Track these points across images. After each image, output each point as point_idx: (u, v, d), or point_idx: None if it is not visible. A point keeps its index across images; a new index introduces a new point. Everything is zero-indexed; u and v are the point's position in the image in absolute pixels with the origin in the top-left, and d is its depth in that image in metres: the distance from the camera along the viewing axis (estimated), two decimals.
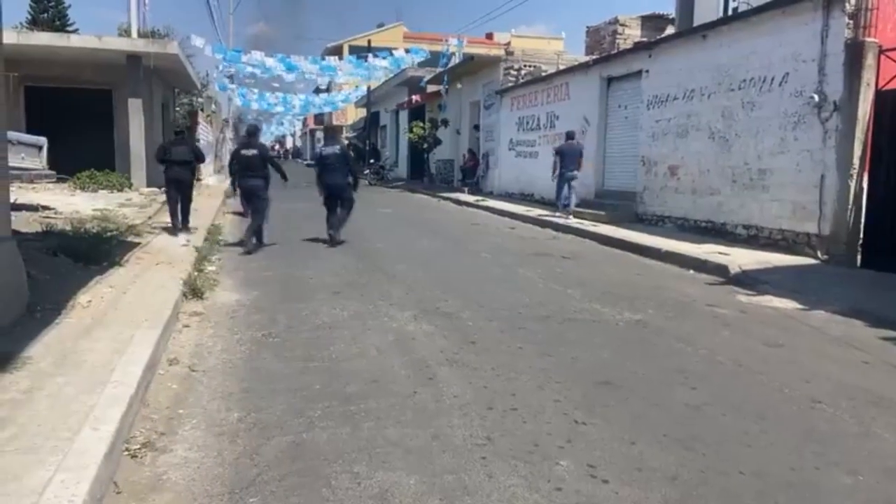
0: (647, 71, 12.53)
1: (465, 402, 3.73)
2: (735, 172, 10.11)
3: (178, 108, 23.49)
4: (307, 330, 5.21)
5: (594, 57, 15.42)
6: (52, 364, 3.75)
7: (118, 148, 16.70)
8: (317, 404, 3.66)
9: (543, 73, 17.91)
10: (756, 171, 9.72)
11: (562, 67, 17.06)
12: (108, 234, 8.19)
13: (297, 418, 3.47)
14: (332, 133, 11.42)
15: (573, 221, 12.60)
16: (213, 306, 5.91)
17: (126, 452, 3.01)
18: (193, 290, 6.07)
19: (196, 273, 6.79)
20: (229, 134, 38.33)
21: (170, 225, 10.12)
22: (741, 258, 8.38)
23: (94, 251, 6.83)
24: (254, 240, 9.20)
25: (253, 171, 9.32)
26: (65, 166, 13.72)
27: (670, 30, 16.98)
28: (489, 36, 42.73)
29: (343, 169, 9.80)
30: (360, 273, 7.75)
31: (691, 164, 11.14)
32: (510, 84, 19.40)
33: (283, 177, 9.95)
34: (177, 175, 10.16)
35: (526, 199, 17.31)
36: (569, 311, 6.02)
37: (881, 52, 8.26)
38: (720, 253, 8.78)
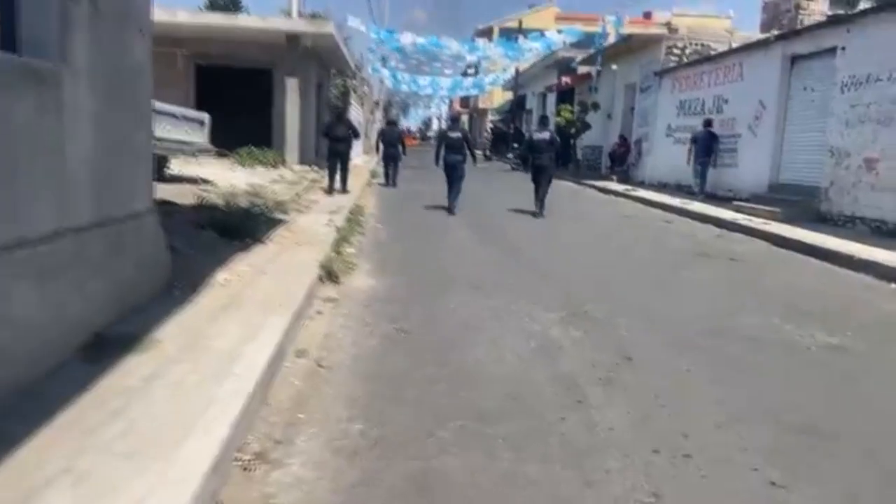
0: (842, 48, 10.79)
1: (623, 439, 3.08)
2: None
3: (332, 89, 24.17)
4: (442, 328, 4.77)
5: (775, 33, 13.65)
6: (178, 348, 3.57)
7: (275, 126, 17.39)
8: (448, 422, 3.17)
9: (712, 53, 16.26)
10: None
11: (735, 45, 15.36)
12: (256, 209, 8.29)
13: (425, 438, 3.00)
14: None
15: (741, 217, 11.24)
16: (347, 292, 5.64)
17: (237, 462, 2.69)
18: (329, 274, 5.85)
19: (334, 255, 6.59)
20: (379, 115, 39.34)
21: (326, 189, 13.14)
22: None
23: (240, 226, 6.85)
24: (453, 203, 11.56)
25: (456, 150, 11.63)
26: (226, 142, 14.40)
27: (864, 4, 14.70)
28: (647, 15, 40.21)
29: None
30: (501, 266, 7.23)
31: (895, 156, 9.43)
32: (672, 64, 17.87)
33: (474, 158, 12.55)
34: (337, 148, 13.14)
35: (682, 189, 15.90)
36: (744, 327, 5.10)
37: None
38: None
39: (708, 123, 14.85)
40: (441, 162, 11.77)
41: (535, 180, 11.80)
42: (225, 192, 9.30)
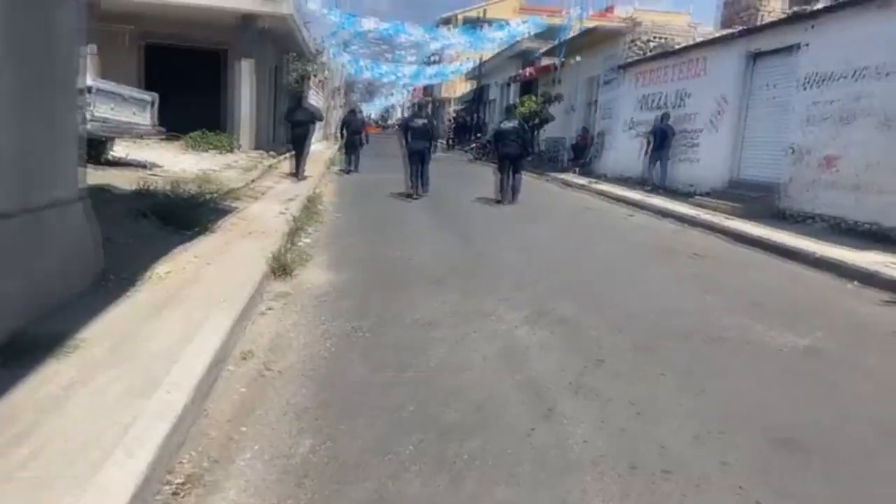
0: (805, 45, 10.82)
1: (598, 454, 2.85)
2: None
3: (291, 73, 23.42)
4: (401, 327, 4.47)
5: (738, 29, 13.67)
6: (106, 351, 3.19)
7: (228, 109, 16.74)
8: (408, 436, 2.89)
9: (675, 47, 16.25)
10: None
11: (698, 40, 15.37)
12: (205, 197, 7.83)
13: (382, 456, 2.72)
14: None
15: (701, 213, 11.21)
16: (300, 286, 5.30)
17: (166, 486, 2.35)
18: (282, 267, 5.48)
19: (288, 246, 6.22)
20: (339, 101, 38.57)
21: (289, 173, 13.22)
22: None
23: (186, 215, 6.43)
24: (425, 189, 11.94)
25: (421, 137, 11.88)
26: (176, 125, 13.76)
27: (825, 2, 14.83)
28: (609, 9, 40.40)
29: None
30: (462, 259, 6.96)
31: (855, 155, 9.48)
32: (635, 58, 17.83)
33: (434, 147, 12.60)
34: (297, 133, 13.19)
35: (642, 184, 15.89)
36: (714, 326, 4.94)
37: None
38: (893, 263, 7.30)
39: (665, 117, 14.92)
40: (405, 149, 11.82)
41: (502, 169, 11.83)
42: (172, 178, 8.79)
